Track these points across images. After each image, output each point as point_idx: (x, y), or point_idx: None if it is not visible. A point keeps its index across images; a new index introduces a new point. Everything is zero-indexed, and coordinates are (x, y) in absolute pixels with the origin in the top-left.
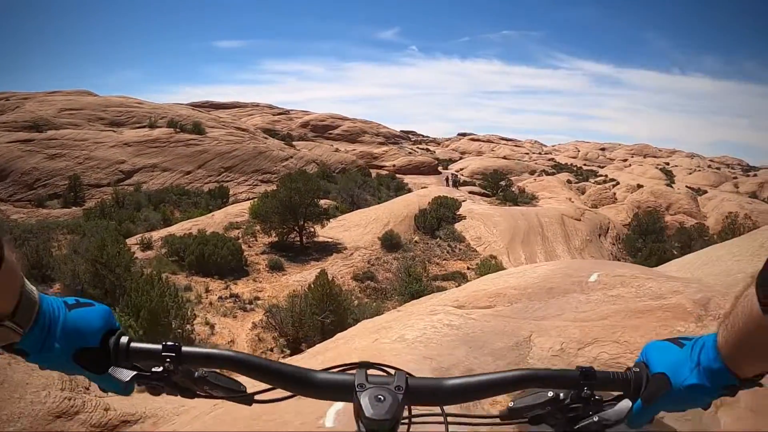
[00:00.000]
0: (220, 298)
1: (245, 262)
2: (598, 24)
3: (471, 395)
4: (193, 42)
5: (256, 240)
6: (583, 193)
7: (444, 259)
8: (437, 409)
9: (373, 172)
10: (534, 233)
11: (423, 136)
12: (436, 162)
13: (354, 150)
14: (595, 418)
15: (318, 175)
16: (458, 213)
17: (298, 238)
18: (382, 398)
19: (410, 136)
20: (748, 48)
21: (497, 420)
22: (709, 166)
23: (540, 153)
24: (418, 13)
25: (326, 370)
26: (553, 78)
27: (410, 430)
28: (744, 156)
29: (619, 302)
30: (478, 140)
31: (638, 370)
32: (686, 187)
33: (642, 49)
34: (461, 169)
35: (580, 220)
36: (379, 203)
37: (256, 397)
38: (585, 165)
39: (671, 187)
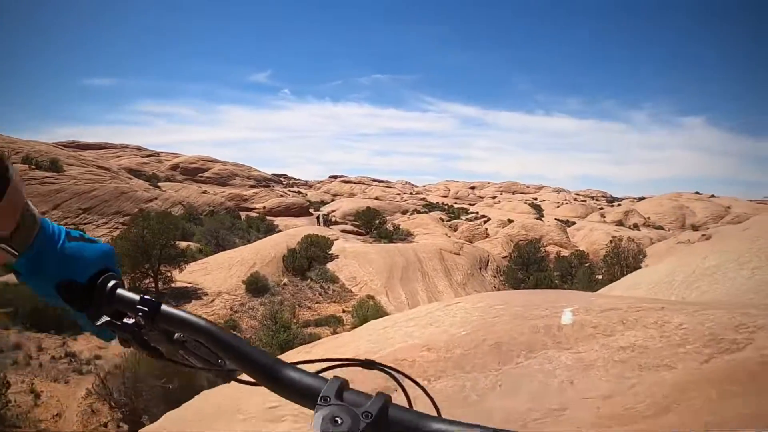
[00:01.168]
0: (53, 358)
1: None
2: (465, 68)
3: None
4: (60, 78)
5: None
6: (455, 230)
7: (317, 302)
8: None
9: (244, 215)
10: (413, 269)
11: (295, 179)
12: (308, 203)
13: (223, 192)
14: None
15: (183, 218)
16: (330, 252)
17: (153, 284)
18: (339, 421)
19: (282, 179)
20: (606, 90)
21: None
22: (575, 199)
23: (411, 193)
24: (291, 56)
25: (303, 362)
26: (422, 120)
27: None
28: (607, 188)
29: (650, 364)
30: (350, 182)
31: None
32: (555, 219)
33: (507, 91)
34: (333, 211)
35: (459, 254)
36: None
37: (237, 375)
38: (456, 203)
39: (541, 220)
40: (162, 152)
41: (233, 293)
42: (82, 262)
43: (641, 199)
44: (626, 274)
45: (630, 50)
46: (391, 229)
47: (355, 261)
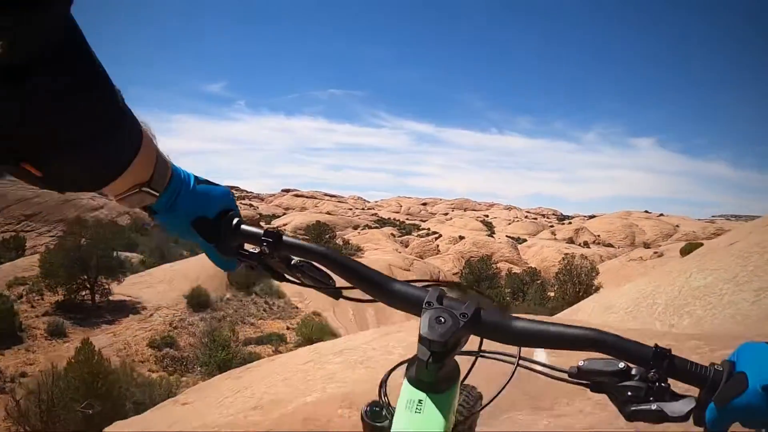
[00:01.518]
0: None
1: (19, 326)
2: (420, 85)
3: (539, 343)
4: None
5: (43, 299)
6: (406, 246)
7: (260, 318)
8: (510, 348)
9: None
10: None
11: (247, 191)
12: (258, 217)
13: None
14: (654, 406)
15: (130, 228)
16: None
17: (90, 297)
18: (443, 320)
19: (234, 191)
20: (557, 110)
21: (564, 375)
22: (526, 217)
23: (363, 208)
24: (247, 67)
25: (407, 282)
26: (376, 136)
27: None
28: (558, 206)
29: None
30: (302, 196)
31: (721, 368)
32: (506, 236)
33: (461, 110)
34: (284, 225)
35: (409, 270)
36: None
37: (343, 293)
38: (408, 219)
39: (492, 237)
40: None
41: (173, 308)
42: (211, 201)
43: (591, 217)
44: (579, 291)
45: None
46: (341, 244)
47: None
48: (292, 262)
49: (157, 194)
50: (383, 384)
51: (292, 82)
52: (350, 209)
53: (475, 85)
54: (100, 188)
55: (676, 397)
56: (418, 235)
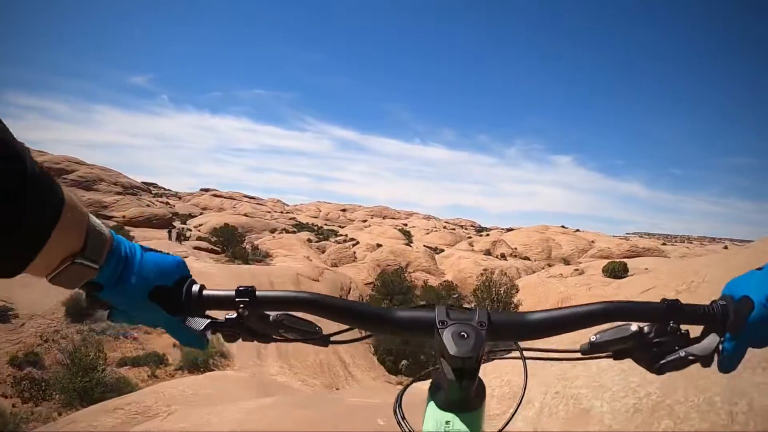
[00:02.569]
0: None
1: None
2: (346, 91)
3: (555, 330)
4: None
5: None
6: (323, 252)
7: (146, 332)
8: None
9: (104, 223)
10: None
11: (165, 189)
12: (171, 215)
13: (81, 197)
14: (682, 353)
15: None
16: None
17: None
18: (465, 335)
19: (151, 188)
20: (480, 123)
21: (578, 354)
22: (445, 227)
23: (282, 212)
24: (174, 62)
25: (407, 308)
26: (300, 140)
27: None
28: (477, 218)
29: None
30: (220, 196)
31: (724, 302)
32: (424, 246)
33: (386, 118)
34: (200, 225)
35: (318, 280)
36: None
37: (332, 338)
38: (326, 225)
39: (410, 246)
40: (29, 149)
41: (50, 316)
42: (165, 270)
43: (509, 230)
44: (498, 309)
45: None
46: (249, 249)
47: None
48: (271, 317)
49: (97, 266)
50: (398, 404)
51: (218, 79)
52: (269, 212)
53: (402, 96)
54: (17, 273)
55: (697, 339)
56: (336, 242)
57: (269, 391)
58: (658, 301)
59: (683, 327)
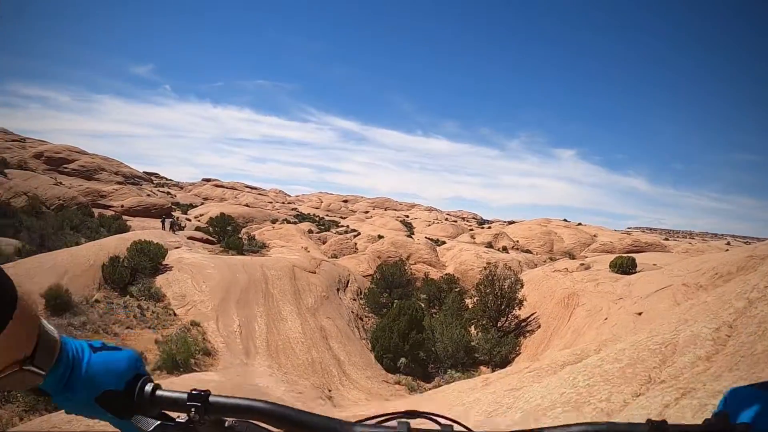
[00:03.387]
0: None
1: None
2: (348, 82)
3: None
4: None
5: None
6: (324, 242)
7: (128, 327)
8: None
9: (98, 212)
10: (256, 290)
11: (167, 179)
12: (170, 205)
13: (80, 186)
14: None
15: (24, 211)
16: (164, 263)
17: None
18: None
19: (153, 178)
20: (484, 116)
21: None
22: (446, 219)
23: (283, 202)
24: (176, 52)
25: (364, 421)
26: (302, 130)
27: None
28: (478, 210)
29: None
30: (222, 186)
31: (718, 421)
32: (425, 237)
33: (388, 110)
34: (201, 215)
35: (315, 272)
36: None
37: None
38: (327, 215)
39: (411, 237)
40: (29, 138)
41: None
42: (116, 371)
43: (511, 222)
44: (501, 304)
45: (509, 80)
46: (245, 239)
47: (189, 275)
48: (226, 423)
49: (43, 373)
50: None
51: (221, 69)
52: (270, 202)
53: (404, 87)
54: None
55: None
56: (337, 233)
57: None
58: (644, 422)
59: None
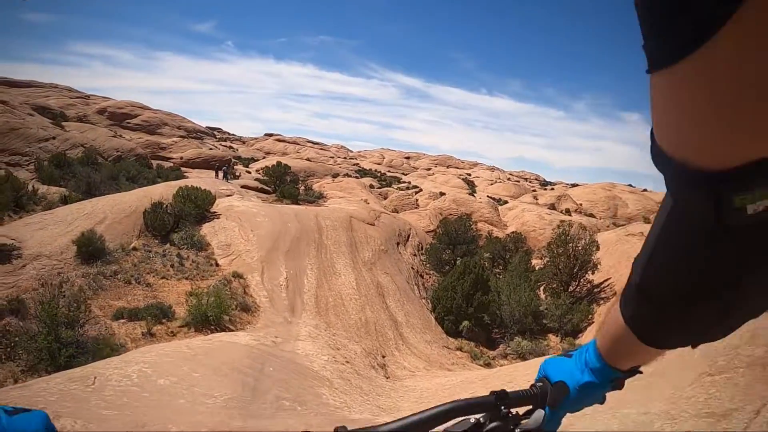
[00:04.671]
0: None
1: None
2: (413, 39)
3: None
4: None
5: None
6: (385, 198)
7: (163, 277)
8: None
9: (157, 164)
10: (307, 241)
11: (229, 134)
12: (230, 158)
13: (140, 139)
14: (517, 431)
15: (80, 161)
16: (212, 210)
17: None
18: None
19: (216, 133)
20: (547, 76)
21: None
22: (509, 179)
23: (345, 158)
24: (238, 7)
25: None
26: (365, 87)
27: None
28: (540, 172)
29: None
30: (284, 141)
31: (542, 384)
32: (488, 196)
33: (451, 67)
34: (262, 168)
35: (374, 224)
36: None
37: None
38: (389, 171)
39: (473, 196)
40: (93, 95)
41: (57, 257)
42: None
43: (574, 185)
44: (573, 267)
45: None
46: (302, 188)
47: (237, 224)
48: None
49: None
50: None
51: (283, 25)
52: (332, 157)
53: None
54: None
55: (527, 415)
56: (398, 188)
57: (262, 383)
58: (488, 393)
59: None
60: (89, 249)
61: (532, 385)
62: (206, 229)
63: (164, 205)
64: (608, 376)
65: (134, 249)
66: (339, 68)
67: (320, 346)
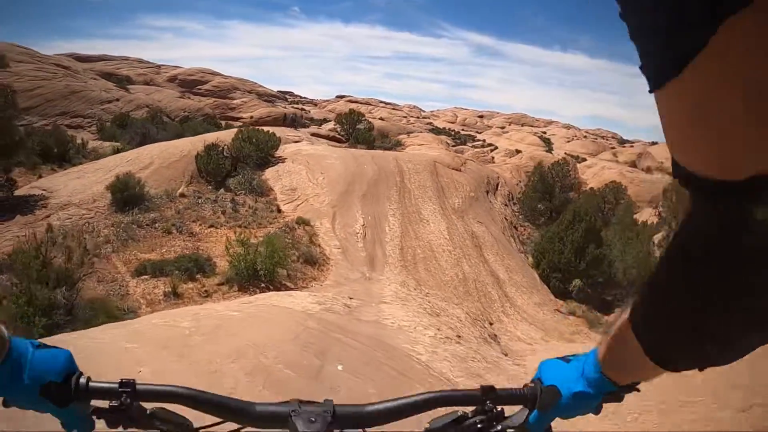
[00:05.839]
0: None
1: None
2: None
3: (390, 418)
4: None
5: None
6: (461, 154)
7: (212, 225)
8: None
9: (225, 123)
10: (387, 184)
11: (301, 97)
12: (300, 116)
13: (208, 100)
14: (499, 427)
15: (145, 120)
16: (277, 154)
17: None
18: (314, 419)
19: (287, 96)
20: (622, 30)
21: None
22: (585, 137)
23: (418, 117)
24: None
25: (268, 402)
26: (436, 46)
27: None
28: (617, 130)
29: None
30: (356, 102)
31: (534, 384)
32: (565, 154)
33: (523, 23)
34: (333, 128)
35: (460, 170)
36: None
37: (201, 431)
38: (463, 130)
39: (550, 153)
40: (163, 65)
41: (87, 205)
42: (56, 365)
43: (654, 143)
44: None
45: None
46: (376, 134)
47: (304, 167)
48: (148, 411)
49: None
50: None
51: None
52: (405, 117)
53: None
54: None
55: (510, 416)
56: (473, 146)
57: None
58: (477, 387)
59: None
60: (124, 195)
61: (525, 385)
62: (269, 174)
63: (220, 147)
64: (604, 389)
65: (182, 195)
66: (408, 28)
67: (415, 312)
